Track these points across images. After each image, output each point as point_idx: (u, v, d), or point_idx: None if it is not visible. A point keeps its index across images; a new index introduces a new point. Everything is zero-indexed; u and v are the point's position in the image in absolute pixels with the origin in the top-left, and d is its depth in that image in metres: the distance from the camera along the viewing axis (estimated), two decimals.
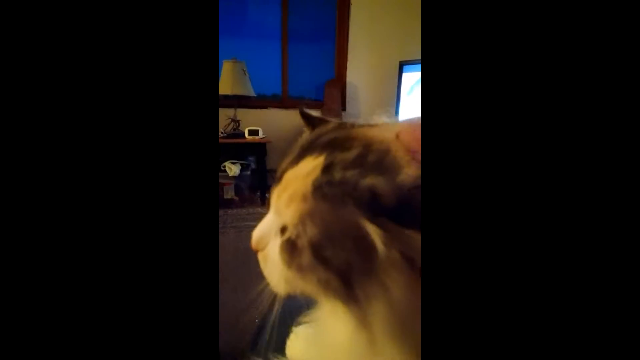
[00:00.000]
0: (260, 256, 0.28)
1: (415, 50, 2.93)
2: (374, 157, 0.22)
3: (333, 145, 0.25)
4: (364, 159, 0.23)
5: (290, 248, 0.25)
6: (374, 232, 0.21)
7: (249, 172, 2.68)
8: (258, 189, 2.60)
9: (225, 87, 2.61)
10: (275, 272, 0.26)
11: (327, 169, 0.23)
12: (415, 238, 0.20)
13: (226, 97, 2.65)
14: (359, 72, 3.23)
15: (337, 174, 0.23)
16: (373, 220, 0.21)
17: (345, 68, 3.23)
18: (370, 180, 0.22)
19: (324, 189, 0.23)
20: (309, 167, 0.25)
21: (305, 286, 0.25)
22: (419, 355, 0.20)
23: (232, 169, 2.55)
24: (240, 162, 2.62)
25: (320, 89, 3.16)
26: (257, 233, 0.28)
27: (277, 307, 0.29)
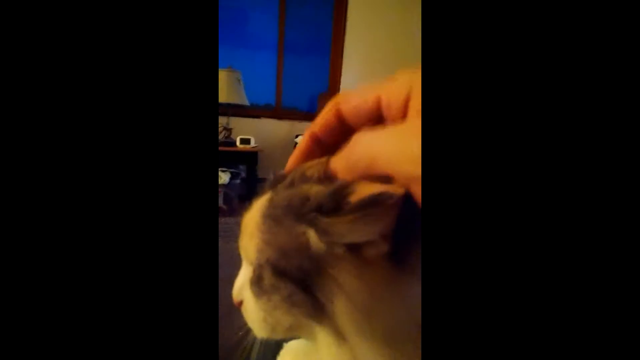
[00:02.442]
0: (242, 309, 0.29)
1: (409, 63, 2.97)
2: (300, 172, 0.25)
3: (277, 180, 0.27)
4: (296, 178, 0.25)
5: (257, 279, 0.26)
6: (309, 232, 0.23)
7: (238, 181, 2.67)
8: (247, 198, 2.58)
9: (220, 95, 2.61)
10: (253, 313, 0.27)
11: (271, 198, 0.26)
12: (350, 226, 0.21)
13: (219, 105, 2.65)
14: (353, 85, 3.26)
15: (277, 198, 0.25)
16: (306, 221, 0.23)
17: (339, 81, 3.26)
18: (300, 190, 0.24)
19: (270, 214, 0.25)
20: (259, 205, 0.27)
21: (277, 314, 0.25)
22: (390, 346, 0.23)
23: (222, 177, 2.54)
24: (231, 170, 2.61)
25: (313, 101, 3.19)
26: (235, 287, 0.29)
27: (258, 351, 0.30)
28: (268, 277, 0.25)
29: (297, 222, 0.23)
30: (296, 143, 2.91)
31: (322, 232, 0.22)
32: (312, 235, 0.23)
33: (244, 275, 0.29)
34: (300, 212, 0.23)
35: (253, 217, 0.27)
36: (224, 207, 2.46)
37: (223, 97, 2.61)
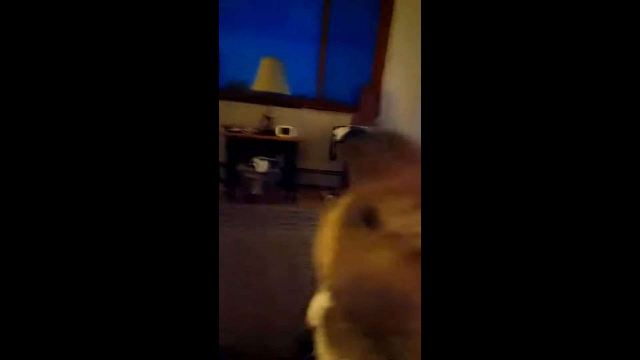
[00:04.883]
0: (316, 337, 0.26)
1: None
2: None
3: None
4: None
5: (327, 319, 0.23)
6: (379, 246, 0.20)
7: (277, 170, 2.71)
8: (286, 187, 2.62)
9: (262, 83, 2.65)
10: (325, 355, 0.24)
11: (346, 200, 0.25)
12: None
13: (261, 93, 2.69)
14: (396, 80, 3.20)
15: (348, 198, 0.25)
16: (373, 223, 0.21)
17: (382, 74, 3.21)
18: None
19: (343, 218, 0.24)
20: (339, 207, 0.25)
21: None
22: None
23: (260, 164, 2.59)
24: (269, 159, 2.66)
25: (355, 94, 3.16)
26: (311, 310, 0.26)
27: None
28: (339, 320, 0.21)
29: (363, 230, 0.21)
30: (333, 135, 2.87)
31: (393, 237, 0.19)
32: (384, 251, 0.20)
33: (319, 301, 0.25)
34: (361, 212, 0.21)
35: (330, 222, 0.24)
36: (261, 193, 2.51)
37: (265, 85, 2.65)
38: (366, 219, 0.21)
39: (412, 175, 0.20)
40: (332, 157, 3.01)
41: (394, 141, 0.22)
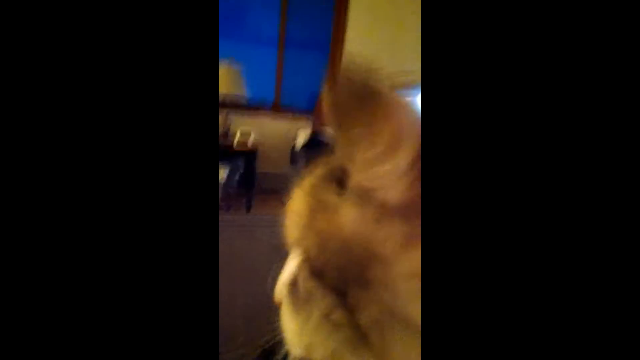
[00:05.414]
0: (281, 312, 0.25)
1: (409, 64, 2.98)
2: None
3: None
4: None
5: (293, 281, 0.23)
6: (345, 204, 0.21)
7: (237, 177, 2.66)
8: (245, 194, 2.58)
9: (220, 88, 2.60)
10: (287, 323, 0.24)
11: (313, 171, 0.24)
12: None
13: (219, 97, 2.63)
14: None
15: (316, 170, 0.24)
16: (340, 188, 0.21)
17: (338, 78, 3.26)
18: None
19: (309, 188, 0.23)
20: (308, 179, 0.25)
21: (314, 336, 0.22)
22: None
23: (219, 173, 2.53)
24: (229, 165, 2.61)
25: (313, 98, 3.18)
26: (277, 284, 0.26)
27: None
28: (303, 280, 0.22)
29: (333, 193, 0.21)
30: (294, 145, 2.84)
31: (359, 192, 0.20)
32: (349, 209, 0.20)
33: (286, 272, 0.25)
34: (333, 176, 0.21)
35: (299, 195, 0.24)
36: (222, 203, 2.45)
37: (222, 88, 2.60)
38: (337, 181, 0.21)
39: (383, 123, 0.20)
40: (293, 161, 3.01)
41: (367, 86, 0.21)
